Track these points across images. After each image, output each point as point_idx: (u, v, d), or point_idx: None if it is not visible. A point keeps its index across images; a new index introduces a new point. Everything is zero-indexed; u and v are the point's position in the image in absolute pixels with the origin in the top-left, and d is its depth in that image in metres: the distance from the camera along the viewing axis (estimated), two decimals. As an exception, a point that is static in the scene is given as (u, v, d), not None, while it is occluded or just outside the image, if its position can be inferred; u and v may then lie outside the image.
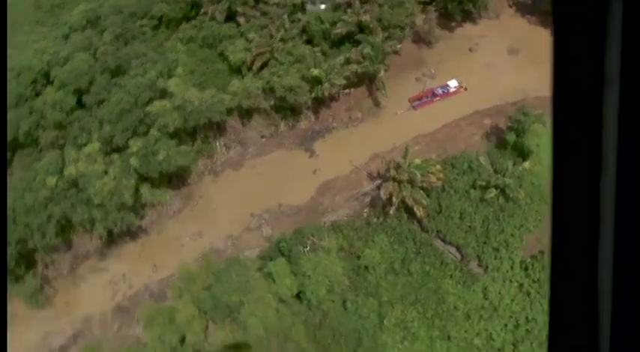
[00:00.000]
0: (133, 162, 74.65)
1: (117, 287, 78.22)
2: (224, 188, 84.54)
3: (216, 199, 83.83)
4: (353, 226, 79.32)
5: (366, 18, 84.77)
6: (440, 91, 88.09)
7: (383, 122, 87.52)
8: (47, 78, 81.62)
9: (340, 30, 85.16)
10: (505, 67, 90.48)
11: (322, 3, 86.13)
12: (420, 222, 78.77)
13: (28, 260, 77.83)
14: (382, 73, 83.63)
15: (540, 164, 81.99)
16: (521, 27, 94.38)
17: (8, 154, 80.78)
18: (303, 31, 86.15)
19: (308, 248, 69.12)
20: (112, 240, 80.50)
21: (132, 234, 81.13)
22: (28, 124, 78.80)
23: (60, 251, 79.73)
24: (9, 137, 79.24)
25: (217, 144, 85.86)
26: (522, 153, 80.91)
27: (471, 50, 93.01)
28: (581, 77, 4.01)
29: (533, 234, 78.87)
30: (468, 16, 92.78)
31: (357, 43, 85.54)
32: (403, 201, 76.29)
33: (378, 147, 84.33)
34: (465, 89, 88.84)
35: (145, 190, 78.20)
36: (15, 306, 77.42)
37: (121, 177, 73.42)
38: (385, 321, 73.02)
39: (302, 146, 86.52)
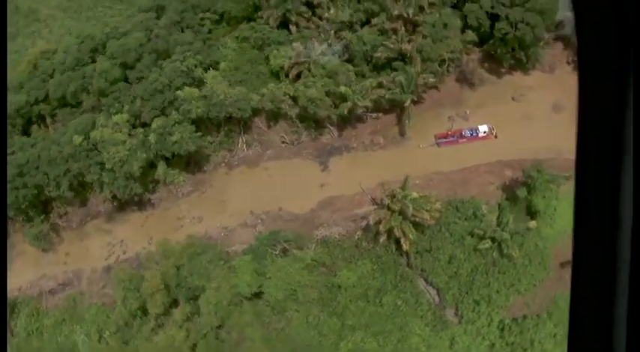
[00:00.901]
0: (152, 138, 79.81)
1: (113, 250, 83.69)
2: (234, 182, 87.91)
3: (224, 191, 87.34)
4: (342, 245, 79.61)
5: (406, 47, 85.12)
6: (468, 134, 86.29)
7: (403, 152, 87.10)
8: (104, 48, 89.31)
9: (380, 54, 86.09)
10: (545, 123, 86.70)
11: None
12: (407, 256, 77.71)
13: (44, 206, 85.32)
14: (408, 103, 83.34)
15: (551, 227, 78.27)
16: (574, 85, 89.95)
17: (54, 109, 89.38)
18: (346, 49, 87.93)
19: (278, 252, 70.43)
20: (121, 206, 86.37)
21: (140, 204, 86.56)
22: (75, 86, 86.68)
23: (75, 205, 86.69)
24: (58, 95, 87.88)
25: (240, 140, 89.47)
26: (530, 212, 77.50)
27: (513, 99, 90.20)
28: (601, 145, 4.45)
29: (523, 296, 75.36)
30: (520, 65, 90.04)
31: (397, 70, 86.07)
32: (391, 232, 75.67)
33: (390, 175, 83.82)
34: (496, 137, 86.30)
35: (161, 167, 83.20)
36: (24, 245, 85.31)
37: (136, 149, 78.75)
38: (342, 344, 72.65)
39: (318, 158, 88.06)
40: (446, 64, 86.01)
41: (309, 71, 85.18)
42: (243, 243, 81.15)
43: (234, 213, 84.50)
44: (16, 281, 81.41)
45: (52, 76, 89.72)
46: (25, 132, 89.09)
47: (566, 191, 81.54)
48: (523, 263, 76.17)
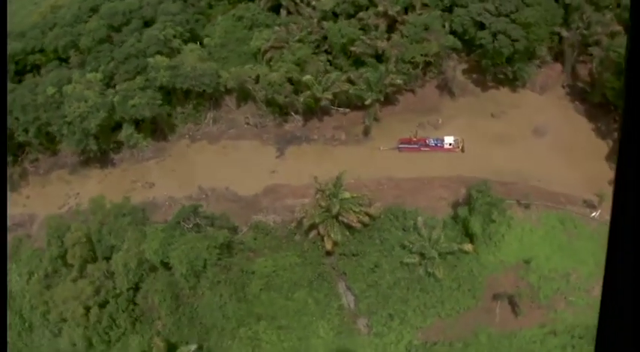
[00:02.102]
0: (115, 99, 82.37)
1: (68, 201, 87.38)
2: (192, 155, 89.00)
3: (181, 162, 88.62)
4: (273, 233, 78.64)
5: (382, 44, 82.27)
6: (432, 143, 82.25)
7: (361, 151, 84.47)
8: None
9: (356, 49, 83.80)
10: (520, 145, 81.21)
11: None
12: (332, 256, 75.55)
13: (18, 150, 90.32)
14: (369, 101, 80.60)
15: (494, 255, 73.35)
16: (563, 111, 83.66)
17: (49, 61, 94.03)
18: (324, 39, 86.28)
19: (191, 226, 70.67)
20: (86, 161, 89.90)
21: (103, 162, 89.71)
22: (66, 41, 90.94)
23: (46, 154, 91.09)
24: (52, 47, 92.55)
25: (207, 115, 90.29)
26: (468, 234, 72.79)
27: (493, 115, 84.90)
28: None
29: (441, 320, 71.28)
30: (508, 81, 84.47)
31: (369, 66, 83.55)
32: (316, 228, 73.85)
33: (338, 170, 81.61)
34: (462, 150, 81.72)
35: (125, 129, 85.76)
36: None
37: (98, 108, 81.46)
38: (242, 330, 71.85)
39: (276, 145, 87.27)
40: (420, 67, 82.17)
41: (280, 56, 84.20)
42: (165, 215, 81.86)
43: (183, 184, 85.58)
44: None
45: (51, 30, 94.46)
46: (20, 81, 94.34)
47: (522, 220, 76.36)
48: (451, 286, 71.88)
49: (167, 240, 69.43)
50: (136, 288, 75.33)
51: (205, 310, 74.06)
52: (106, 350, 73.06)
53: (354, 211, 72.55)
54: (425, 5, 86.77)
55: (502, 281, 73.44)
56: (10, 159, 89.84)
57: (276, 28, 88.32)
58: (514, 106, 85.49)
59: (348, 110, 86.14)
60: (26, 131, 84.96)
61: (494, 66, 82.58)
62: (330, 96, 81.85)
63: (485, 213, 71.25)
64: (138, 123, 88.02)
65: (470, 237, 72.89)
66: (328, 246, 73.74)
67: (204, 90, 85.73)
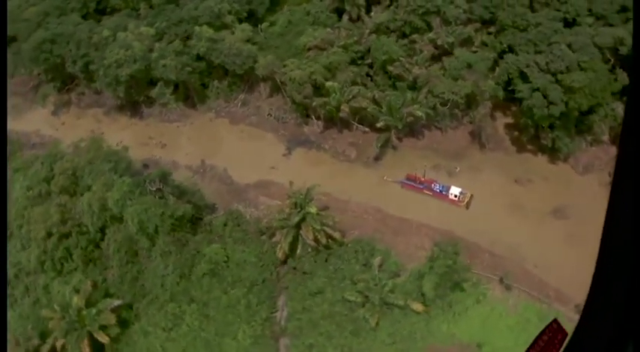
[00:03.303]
0: (152, 56, 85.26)
1: (92, 135, 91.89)
2: (210, 129, 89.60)
3: (198, 133, 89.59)
4: (243, 226, 76.76)
5: (417, 71, 76.96)
6: (437, 188, 75.40)
7: (363, 175, 79.71)
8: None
9: (393, 69, 79.24)
10: (532, 221, 71.89)
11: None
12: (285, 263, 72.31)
13: (69, 80, 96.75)
14: (382, 124, 75.63)
15: (447, 324, 65.81)
16: (597, 201, 71.60)
17: (123, 6, 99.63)
18: (369, 52, 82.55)
19: (154, 189, 70.97)
20: (120, 107, 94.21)
21: (133, 112, 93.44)
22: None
23: (91, 90, 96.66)
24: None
25: (238, 96, 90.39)
26: (421, 293, 65.74)
27: (516, 181, 75.98)
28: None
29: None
30: (549, 149, 75.00)
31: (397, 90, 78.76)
32: (274, 233, 71.05)
33: (335, 189, 77.76)
34: (466, 207, 74.04)
35: (159, 87, 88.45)
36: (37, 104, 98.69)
37: (135, 59, 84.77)
38: (171, 305, 71.10)
39: (287, 143, 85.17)
40: (447, 105, 75.51)
41: (315, 57, 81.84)
42: (179, 180, 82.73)
43: (190, 154, 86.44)
44: (17, 124, 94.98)
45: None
46: (99, 21, 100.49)
47: (497, 300, 67.28)
48: (384, 340, 65.56)
49: (128, 195, 70.33)
50: (103, 233, 77.30)
51: (149, 274, 74.24)
52: (54, 277, 75.51)
53: (314, 228, 68.48)
54: (484, 44, 79.79)
55: (443, 357, 65.55)
56: (58, 85, 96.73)
57: (329, 29, 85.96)
58: (544, 178, 75.79)
59: (367, 129, 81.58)
60: (74, 63, 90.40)
61: (536, 127, 73.70)
62: (346, 109, 78.03)
63: (443, 275, 63.86)
64: (177, 86, 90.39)
65: (423, 296, 65.79)
66: (279, 254, 70.57)
67: (245, 72, 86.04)
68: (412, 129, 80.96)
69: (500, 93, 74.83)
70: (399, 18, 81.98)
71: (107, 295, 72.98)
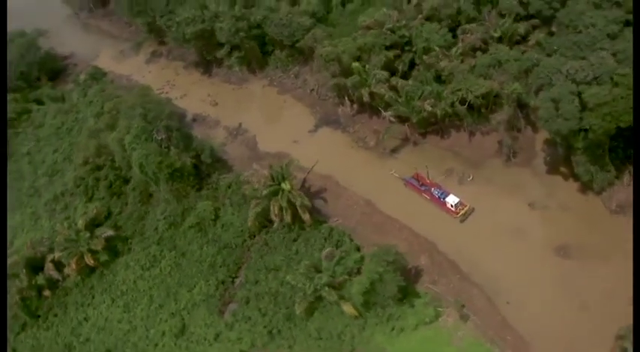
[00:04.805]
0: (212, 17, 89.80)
1: (164, 87, 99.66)
2: (259, 96, 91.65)
3: (248, 97, 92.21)
4: (243, 191, 77.33)
5: (444, 64, 69.75)
6: (436, 193, 68.29)
7: (372, 165, 75.36)
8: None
9: (427, 58, 72.85)
10: (528, 252, 61.56)
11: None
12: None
13: (161, 31, 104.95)
14: (390, 113, 70.39)
15: (383, 335, 60.14)
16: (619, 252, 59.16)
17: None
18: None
19: (159, 138, 75.38)
20: (196, 63, 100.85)
21: (206, 69, 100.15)
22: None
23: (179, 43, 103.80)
24: None
25: (294, 69, 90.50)
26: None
27: (530, 205, 65.18)
28: None
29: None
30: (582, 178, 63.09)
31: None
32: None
33: (340, 175, 75.14)
34: (461, 220, 65.94)
35: (225, 49, 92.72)
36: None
37: (202, 19, 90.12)
38: (154, 247, 75.58)
39: (319, 120, 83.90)
40: (465, 105, 67.11)
41: (360, 35, 78.38)
42: (212, 137, 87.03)
43: (233, 115, 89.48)
44: (117, 66, 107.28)
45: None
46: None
47: (444, 327, 58.96)
48: (311, 333, 62.31)
49: (137, 138, 75.71)
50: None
51: (150, 216, 79.30)
52: (85, 201, 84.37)
53: (280, 204, 66.92)
54: (539, 45, 68.94)
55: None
56: (152, 36, 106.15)
57: (384, 10, 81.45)
58: (564, 208, 63.99)
59: (394, 120, 76.06)
60: (162, 17, 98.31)
61: (568, 148, 62.11)
62: (366, 92, 73.80)
63: (377, 281, 57.82)
64: (245, 55, 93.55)
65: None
66: (249, 223, 70.46)
67: (290, 43, 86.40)
68: (439, 127, 73.77)
69: (528, 100, 64.45)
70: (452, 4, 74.46)
71: (115, 226, 79.57)
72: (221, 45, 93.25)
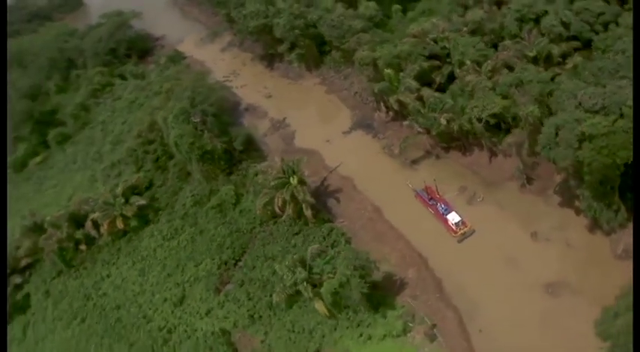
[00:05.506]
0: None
1: (229, 75, 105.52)
2: (309, 93, 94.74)
3: (299, 93, 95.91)
4: (265, 183, 79.64)
5: (469, 78, 67.94)
6: (441, 209, 66.94)
7: (391, 175, 75.03)
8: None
9: (459, 72, 71.29)
10: (514, 280, 58.47)
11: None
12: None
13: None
14: (407, 123, 69.93)
15: (351, 341, 60.37)
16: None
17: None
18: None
19: (195, 120, 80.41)
20: (261, 56, 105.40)
21: (269, 62, 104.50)
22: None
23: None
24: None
25: (345, 69, 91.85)
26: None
27: (532, 235, 61.66)
28: None
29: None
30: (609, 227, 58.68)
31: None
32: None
33: (359, 179, 76.07)
34: (459, 240, 64.17)
35: (285, 44, 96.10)
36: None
37: (265, 15, 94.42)
38: (177, 221, 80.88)
39: (354, 123, 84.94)
40: (481, 122, 64.76)
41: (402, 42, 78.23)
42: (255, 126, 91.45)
43: (282, 110, 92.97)
44: (197, 52, 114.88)
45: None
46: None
47: (409, 343, 57.73)
48: (286, 323, 63.94)
49: (176, 119, 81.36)
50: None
51: (182, 192, 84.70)
52: (131, 170, 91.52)
53: (284, 197, 68.98)
54: (575, 68, 64.90)
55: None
56: (229, 26, 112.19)
57: (434, 20, 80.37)
58: (567, 243, 60.16)
59: (421, 131, 75.07)
60: (235, 9, 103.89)
61: (579, 180, 58.21)
62: (394, 100, 73.63)
63: (345, 284, 58.09)
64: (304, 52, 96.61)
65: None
66: (257, 210, 73.21)
67: (339, 44, 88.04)
68: (462, 144, 71.90)
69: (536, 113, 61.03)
70: (496, 18, 72.06)
71: (152, 197, 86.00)
72: (282, 41, 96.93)
